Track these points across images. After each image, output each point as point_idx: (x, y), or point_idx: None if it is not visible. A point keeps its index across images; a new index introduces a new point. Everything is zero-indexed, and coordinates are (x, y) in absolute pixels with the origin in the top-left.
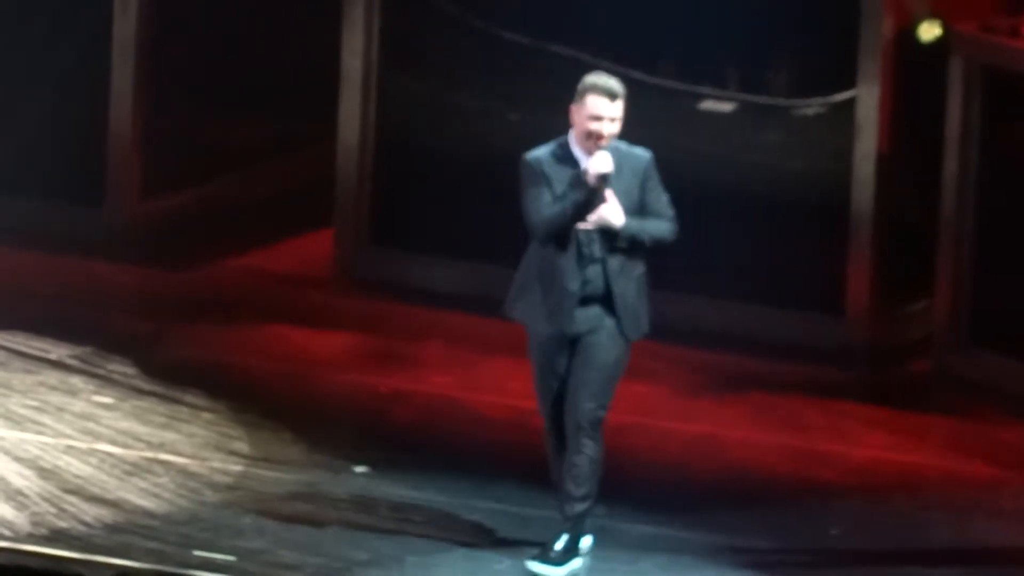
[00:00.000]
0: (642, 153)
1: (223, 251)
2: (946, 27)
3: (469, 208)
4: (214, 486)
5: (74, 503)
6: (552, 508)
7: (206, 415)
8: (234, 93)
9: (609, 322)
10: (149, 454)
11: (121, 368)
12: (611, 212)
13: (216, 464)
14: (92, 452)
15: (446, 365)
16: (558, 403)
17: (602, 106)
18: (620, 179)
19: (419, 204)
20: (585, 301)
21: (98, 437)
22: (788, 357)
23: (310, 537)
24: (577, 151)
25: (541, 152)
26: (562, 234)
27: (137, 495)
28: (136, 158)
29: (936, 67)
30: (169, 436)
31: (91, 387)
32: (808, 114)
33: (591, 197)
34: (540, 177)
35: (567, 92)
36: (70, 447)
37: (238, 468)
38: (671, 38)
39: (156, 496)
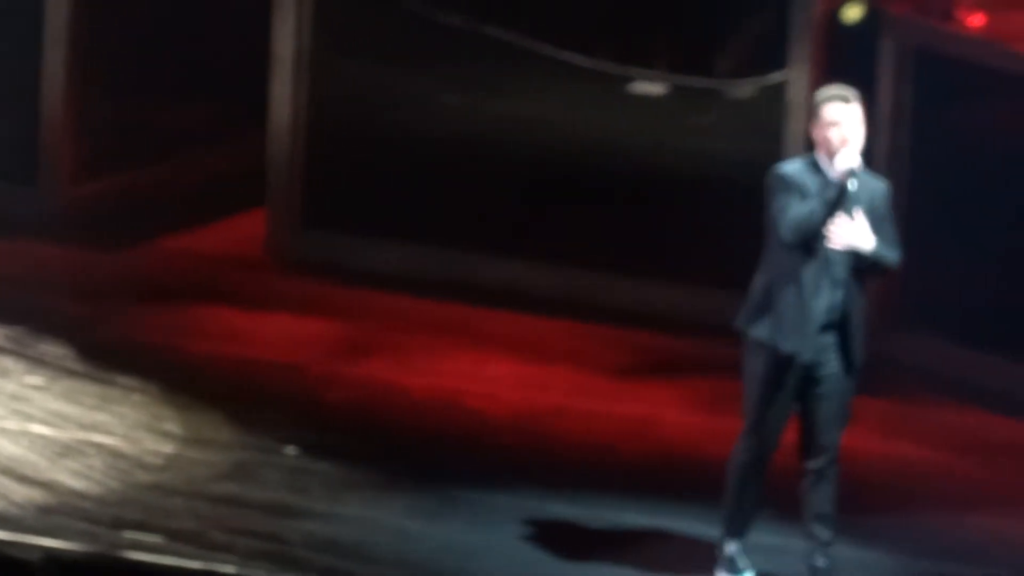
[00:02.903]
0: (880, 182)
1: (157, 233)
2: (869, 8)
3: (402, 189)
4: (145, 467)
5: (4, 484)
6: (481, 489)
7: (138, 396)
8: (168, 76)
9: (837, 353)
10: (80, 435)
11: (53, 349)
12: (861, 235)
13: (148, 445)
14: (23, 433)
15: (378, 346)
16: (777, 431)
17: (837, 111)
18: (865, 199)
19: (352, 186)
20: (824, 326)
21: (29, 418)
22: (720, 338)
23: (242, 518)
24: (824, 164)
25: (790, 165)
26: (811, 243)
27: (68, 476)
28: (70, 140)
29: (867, 49)
30: (101, 417)
31: (22, 368)
32: (739, 96)
33: (840, 196)
34: (790, 185)
35: (501, 74)
36: (1, 428)
37: (169, 449)
38: (605, 21)
39: (87, 477)
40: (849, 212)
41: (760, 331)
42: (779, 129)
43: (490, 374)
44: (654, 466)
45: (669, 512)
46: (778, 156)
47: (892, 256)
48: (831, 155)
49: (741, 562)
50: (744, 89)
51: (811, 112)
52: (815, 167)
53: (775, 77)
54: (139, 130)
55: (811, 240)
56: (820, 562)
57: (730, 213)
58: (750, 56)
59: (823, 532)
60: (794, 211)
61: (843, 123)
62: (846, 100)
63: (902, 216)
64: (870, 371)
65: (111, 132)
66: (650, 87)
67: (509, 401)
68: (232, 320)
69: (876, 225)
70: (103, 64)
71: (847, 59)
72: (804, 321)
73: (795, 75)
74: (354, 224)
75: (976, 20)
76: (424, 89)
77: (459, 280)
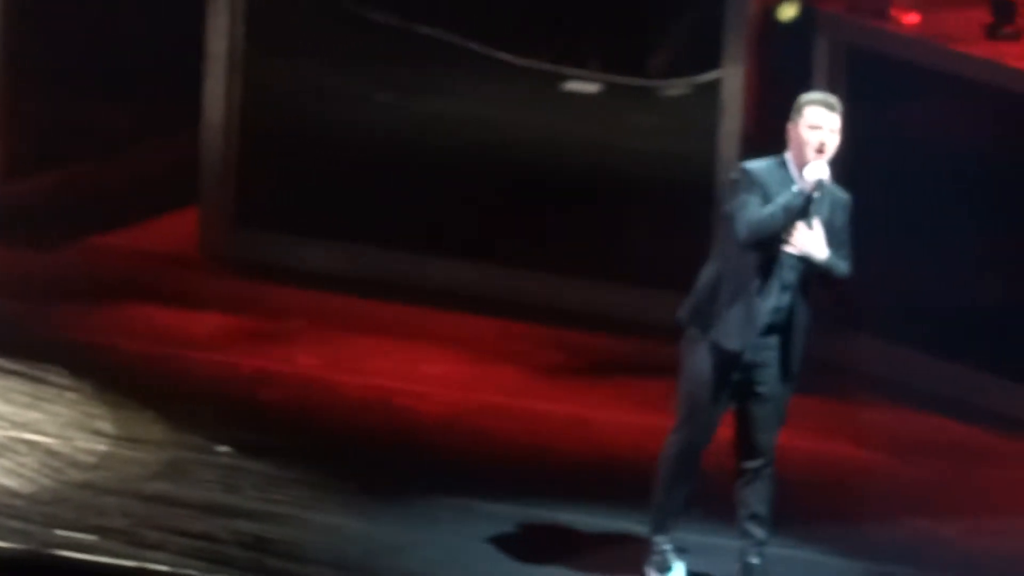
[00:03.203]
0: (842, 194)
1: (90, 231)
2: (804, 7)
3: (335, 188)
4: (78, 465)
5: None
6: (414, 488)
7: (70, 395)
8: (101, 74)
9: (777, 356)
10: (13, 433)
11: None
12: (816, 243)
13: (80, 444)
14: None
15: (312, 345)
16: (710, 427)
17: (821, 116)
18: (826, 207)
19: (285, 184)
20: (767, 329)
21: None
22: (655, 337)
23: (174, 517)
24: (793, 168)
25: (757, 164)
26: (766, 245)
27: (1, 474)
28: (2, 138)
29: (802, 47)
30: (33, 416)
31: None
32: (673, 95)
33: (805, 205)
34: (754, 185)
35: (435, 73)
36: None
37: (102, 448)
38: (539, 19)
39: (19, 475)
40: (808, 220)
41: (703, 326)
42: (713, 128)
43: (424, 373)
44: (589, 465)
45: (605, 511)
46: (712, 155)
47: (842, 268)
48: (802, 157)
49: (671, 559)
50: (678, 88)
51: (793, 110)
52: (782, 167)
53: (710, 75)
54: (72, 128)
55: (766, 242)
56: (754, 560)
57: (665, 212)
58: (685, 54)
59: (758, 531)
60: (754, 212)
61: (823, 128)
62: (831, 108)
63: None
64: (807, 371)
65: (43, 130)
66: (584, 86)
67: (443, 400)
68: (165, 318)
69: (832, 236)
70: (34, 62)
71: (782, 58)
72: (749, 321)
73: (729, 73)
74: (287, 223)
75: (911, 19)
76: (358, 88)
77: (393, 279)
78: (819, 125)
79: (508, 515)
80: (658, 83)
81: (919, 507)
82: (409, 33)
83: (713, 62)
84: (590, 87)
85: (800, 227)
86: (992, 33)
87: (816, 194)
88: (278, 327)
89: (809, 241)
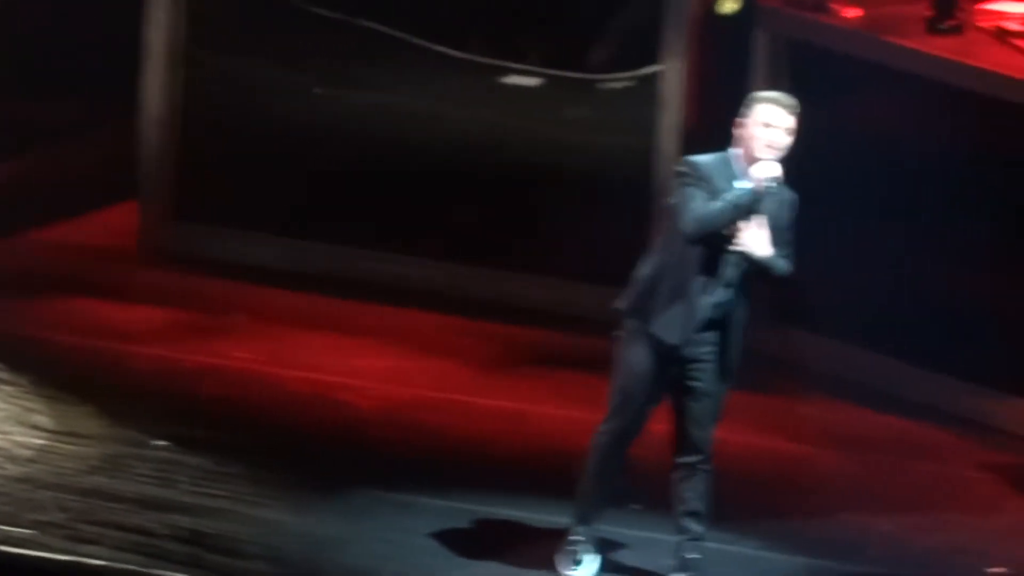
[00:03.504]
0: (787, 191)
1: (28, 225)
2: (744, 1)
3: (275, 183)
4: (15, 459)
5: None
6: (351, 482)
7: (7, 388)
8: (39, 68)
9: (715, 352)
10: None
11: None
12: (760, 241)
13: (17, 438)
14: None
15: (251, 340)
16: (642, 418)
17: (775, 115)
18: (772, 209)
19: (224, 179)
20: (706, 324)
21: None
22: (594, 332)
23: (111, 511)
24: (738, 165)
25: (704, 157)
26: (710, 240)
27: None
28: None
29: (742, 41)
30: None
31: None
32: (614, 88)
33: (754, 204)
34: (701, 178)
35: (375, 67)
36: None
37: (39, 442)
38: (479, 13)
39: None
40: (753, 217)
41: (642, 318)
42: (653, 122)
43: (362, 367)
44: (525, 459)
45: (542, 505)
46: (652, 149)
47: (783, 267)
48: (750, 154)
49: (583, 552)
50: (618, 81)
51: (745, 105)
52: (727, 163)
53: (649, 69)
54: (9, 123)
55: (711, 237)
56: (691, 555)
57: (604, 206)
58: (625, 48)
59: (694, 527)
60: (701, 206)
61: (775, 127)
62: (787, 108)
63: None
64: (745, 366)
65: None
66: (524, 79)
67: (381, 394)
68: (104, 312)
69: (777, 234)
70: None
71: (722, 51)
72: (689, 316)
73: (669, 67)
74: (227, 217)
75: (851, 12)
76: (297, 82)
77: (332, 273)
78: (771, 123)
79: (446, 509)
80: (598, 77)
81: (857, 502)
82: (349, 27)
83: (653, 56)
84: (530, 81)
85: (744, 225)
86: (932, 27)
87: (766, 193)
88: (217, 321)
89: (753, 239)
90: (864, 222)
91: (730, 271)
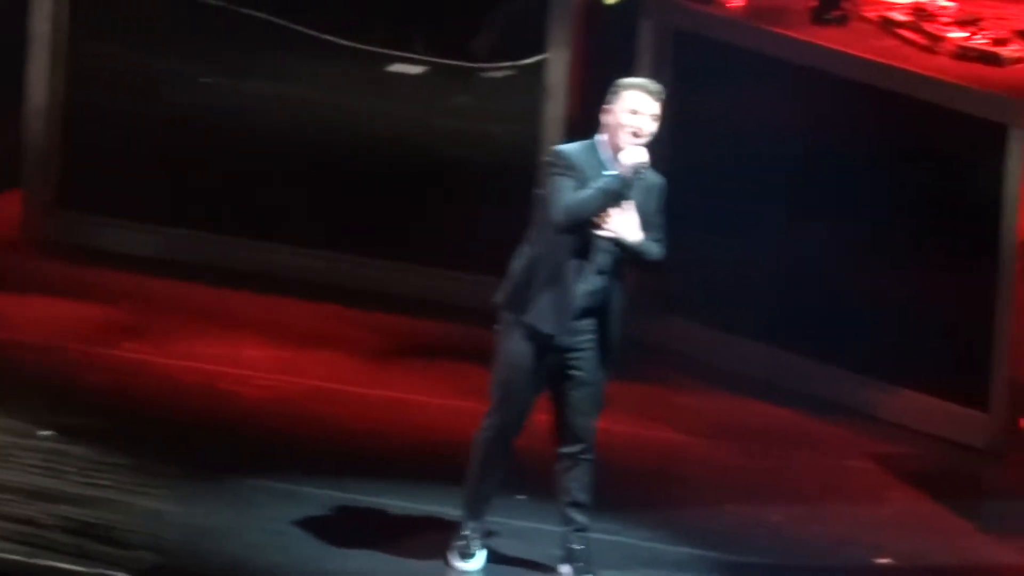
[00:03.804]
0: (656, 177)
1: None
2: None
3: (160, 172)
4: None
5: None
6: (238, 472)
7: None
8: None
9: (594, 340)
10: None
11: None
12: (630, 227)
13: None
14: None
15: (137, 330)
16: (524, 410)
17: (641, 101)
18: (640, 194)
19: (109, 167)
20: (582, 312)
21: None
22: (480, 322)
23: None
24: (605, 152)
25: (571, 147)
26: (580, 228)
27: None
28: None
29: (628, 30)
30: None
31: None
32: (499, 77)
33: (623, 190)
34: (570, 167)
35: (261, 55)
36: None
37: None
38: (365, 2)
39: None
40: (622, 203)
41: (518, 310)
42: (538, 111)
43: (248, 357)
44: (412, 449)
45: (426, 495)
46: (536, 138)
47: (655, 251)
48: (617, 141)
49: (474, 545)
50: (503, 70)
51: (611, 92)
52: (594, 150)
53: (534, 58)
54: None
55: (581, 226)
56: (577, 546)
57: (488, 195)
58: (510, 37)
59: (579, 517)
60: (570, 195)
61: (642, 113)
62: (652, 94)
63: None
64: (628, 356)
65: None
66: (408, 67)
67: (266, 384)
68: None
69: (647, 220)
70: None
71: (608, 41)
72: (564, 304)
73: (555, 57)
74: (111, 206)
75: (736, 2)
76: (183, 70)
77: (217, 263)
78: (637, 110)
79: (330, 499)
80: (483, 66)
81: (743, 492)
82: (236, 15)
83: (538, 45)
84: (414, 69)
85: (614, 211)
86: (818, 17)
87: (633, 178)
88: (102, 311)
89: (623, 225)
90: (749, 211)
91: (602, 258)
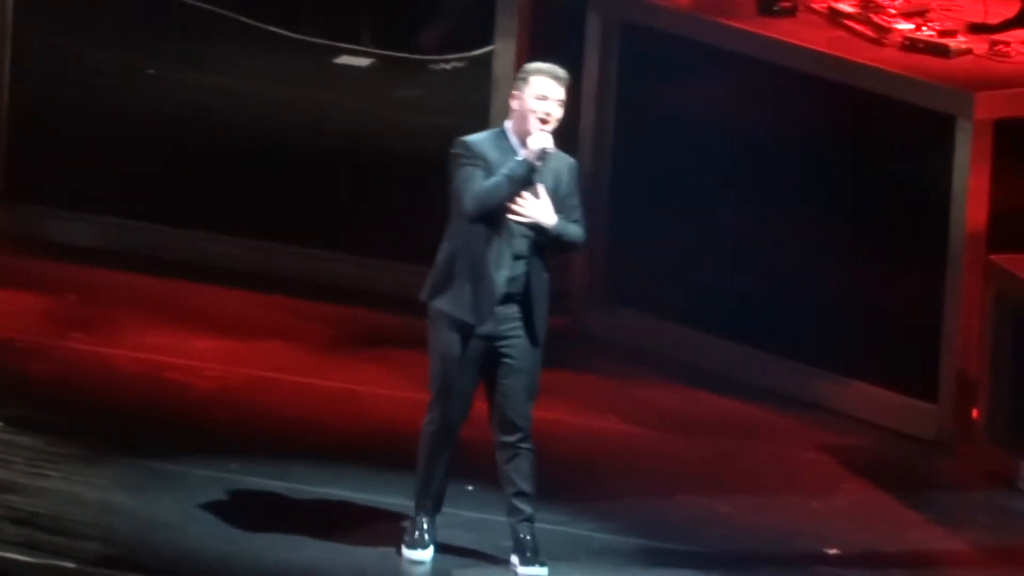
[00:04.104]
0: (569, 157)
1: None
2: None
3: (105, 163)
4: None
5: None
6: (186, 463)
7: None
8: None
9: (523, 326)
10: None
11: None
12: (544, 211)
13: None
14: None
15: (83, 320)
16: (464, 401)
17: (548, 87)
18: (550, 177)
19: (54, 159)
20: (506, 299)
21: None
22: (424, 314)
23: None
24: (513, 139)
25: (477, 136)
26: (493, 216)
27: None
28: None
29: (574, 22)
30: None
31: None
32: (446, 69)
33: (529, 174)
34: (476, 157)
35: (206, 47)
36: None
37: None
38: None
39: None
40: (533, 188)
41: (442, 303)
42: (485, 102)
43: (194, 348)
44: (360, 440)
45: (374, 486)
46: (485, 129)
47: (576, 233)
48: (524, 127)
49: (428, 536)
50: (450, 62)
51: (519, 78)
52: (502, 137)
53: (482, 50)
54: None
55: (494, 214)
56: (525, 536)
57: (436, 187)
58: (457, 29)
59: (525, 507)
60: (478, 185)
61: (549, 99)
62: (558, 79)
63: (607, 191)
64: (573, 347)
65: None
66: (355, 59)
67: (213, 375)
68: None
69: (561, 201)
70: None
71: (554, 32)
72: (484, 293)
73: (501, 48)
74: (56, 197)
75: None
76: (127, 62)
77: (163, 254)
78: (545, 95)
79: (279, 490)
80: (430, 58)
81: (694, 484)
82: (181, 5)
83: (486, 37)
84: (361, 61)
85: (527, 196)
86: (765, 9)
87: (539, 163)
88: (49, 302)
89: (536, 209)
90: (697, 202)
91: (519, 244)
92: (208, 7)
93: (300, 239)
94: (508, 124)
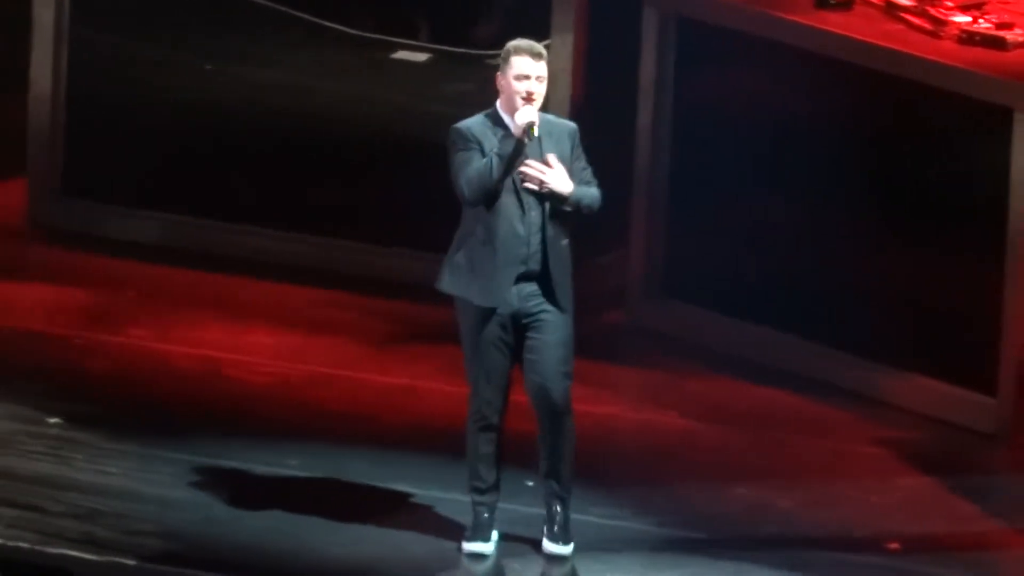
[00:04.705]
0: (568, 123)
1: None
2: None
3: (162, 159)
4: None
5: None
6: (242, 459)
7: None
8: None
9: (547, 300)
10: None
11: None
12: (559, 179)
13: None
14: None
15: (141, 316)
16: (498, 385)
17: (528, 65)
18: (552, 146)
19: (112, 155)
20: (525, 276)
21: None
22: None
23: (4, 489)
24: (506, 118)
25: (470, 121)
26: (499, 196)
27: None
28: None
29: (631, 16)
30: None
31: None
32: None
33: (518, 150)
34: (469, 141)
35: (261, 42)
36: None
37: None
38: None
39: None
40: (544, 158)
41: (458, 288)
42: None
43: (250, 343)
44: (418, 435)
45: (433, 480)
46: None
47: (594, 194)
48: (512, 106)
49: (487, 528)
50: None
51: (501, 59)
52: (495, 120)
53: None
54: None
55: (491, 194)
56: (554, 510)
57: None
58: (513, 23)
59: (557, 484)
60: (472, 169)
61: (532, 77)
62: (537, 56)
63: (664, 185)
64: (630, 342)
65: None
66: (412, 55)
67: (269, 371)
68: None
69: (570, 168)
70: None
71: (610, 27)
72: (497, 273)
73: (558, 43)
74: (115, 193)
75: None
76: (185, 57)
77: (219, 250)
78: (527, 74)
79: (335, 485)
80: (486, 52)
81: (752, 478)
82: (238, 1)
83: (542, 31)
84: (419, 56)
85: (541, 167)
86: (822, 2)
87: (527, 139)
88: (107, 298)
89: (552, 178)
90: (752, 196)
91: (532, 218)
92: (267, 2)
93: (356, 234)
94: (499, 104)
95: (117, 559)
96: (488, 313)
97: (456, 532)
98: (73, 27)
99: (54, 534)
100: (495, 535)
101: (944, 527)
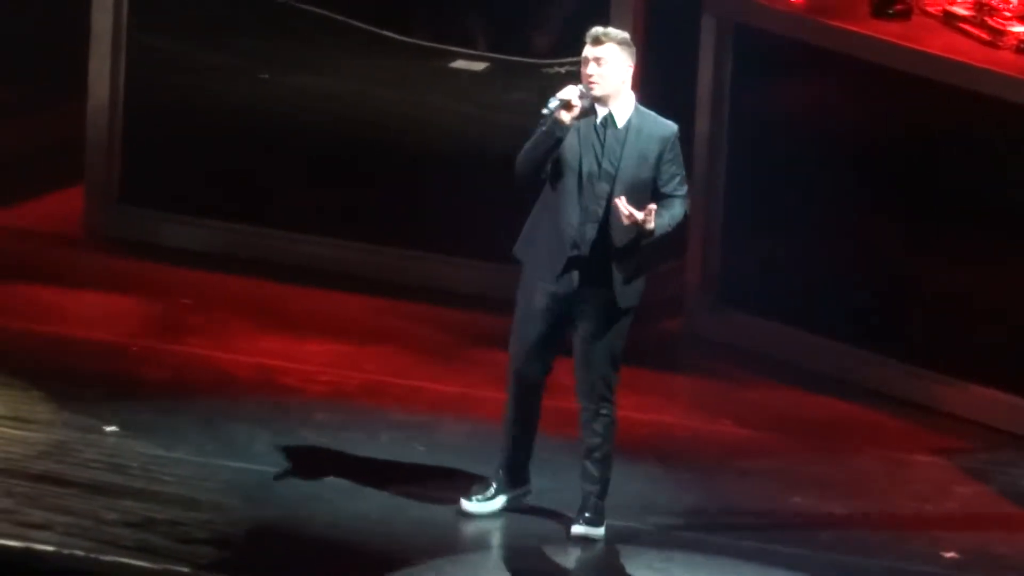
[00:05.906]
0: (668, 124)
1: None
2: None
3: (219, 167)
4: None
5: None
6: (298, 469)
7: None
8: None
9: (601, 289)
10: None
11: None
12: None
13: None
14: None
15: (196, 324)
16: (535, 357)
17: (587, 49)
18: (640, 141)
19: (170, 163)
20: (583, 261)
21: None
22: None
23: (60, 496)
24: (597, 107)
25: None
26: (537, 171)
27: None
28: None
29: (689, 25)
30: None
31: None
32: (560, 72)
33: (554, 129)
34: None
35: (318, 51)
36: None
37: None
38: None
39: None
40: (622, 147)
41: (523, 255)
42: None
43: (306, 352)
44: (471, 443)
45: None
46: None
47: (675, 215)
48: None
49: (493, 488)
50: (564, 65)
51: None
52: (592, 107)
53: None
54: None
55: (536, 170)
56: (588, 495)
57: None
58: (571, 31)
59: (594, 470)
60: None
61: (589, 60)
62: (595, 40)
63: (721, 194)
64: (686, 350)
65: None
66: (470, 64)
67: (325, 379)
68: (49, 297)
69: (663, 168)
70: None
71: (668, 35)
72: (557, 251)
73: None
74: (172, 201)
75: None
76: (242, 66)
77: (275, 258)
78: (587, 57)
79: (391, 494)
80: (543, 61)
81: (804, 486)
82: (294, 10)
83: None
84: (476, 65)
85: (630, 209)
86: (879, 12)
87: (563, 115)
88: (163, 306)
89: (638, 217)
90: (809, 205)
91: (596, 203)
92: (323, 11)
93: (412, 243)
94: None
95: (172, 567)
96: (543, 286)
97: (511, 542)
98: (131, 35)
99: (109, 542)
100: (501, 499)
101: (1000, 536)
